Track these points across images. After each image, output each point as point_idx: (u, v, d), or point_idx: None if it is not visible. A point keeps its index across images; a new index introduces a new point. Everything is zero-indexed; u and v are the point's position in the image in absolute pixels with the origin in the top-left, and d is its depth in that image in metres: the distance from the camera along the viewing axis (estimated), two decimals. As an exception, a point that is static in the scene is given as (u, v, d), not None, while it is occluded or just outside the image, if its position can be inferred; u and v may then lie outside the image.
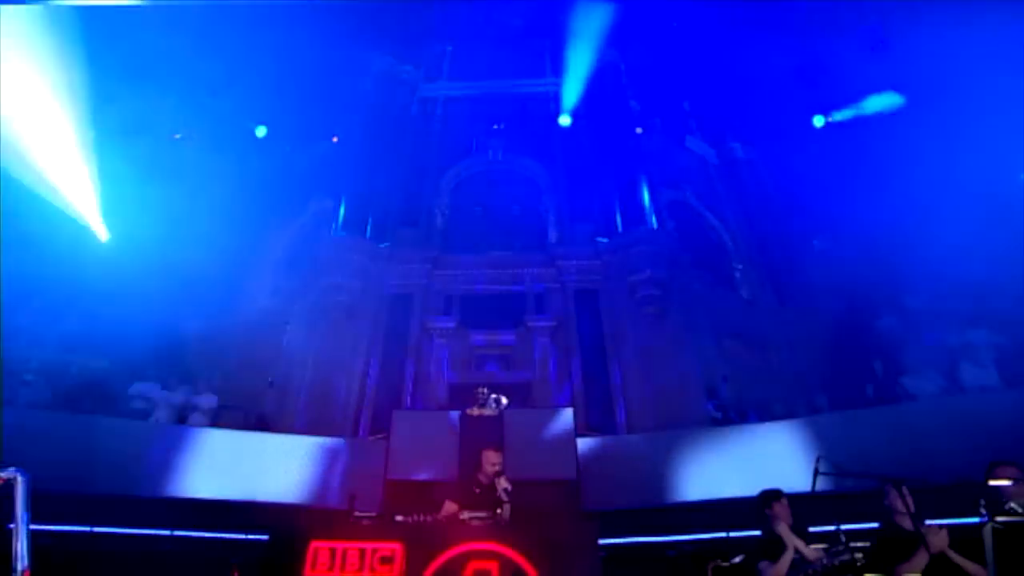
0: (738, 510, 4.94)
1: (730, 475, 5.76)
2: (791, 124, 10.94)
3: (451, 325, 9.45)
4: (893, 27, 8.90)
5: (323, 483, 6.31)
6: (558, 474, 5.95)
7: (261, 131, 11.46)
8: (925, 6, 8.35)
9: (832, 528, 3.45)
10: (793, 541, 3.56)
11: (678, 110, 12.62)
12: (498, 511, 4.19)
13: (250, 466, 6.23)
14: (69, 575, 4.68)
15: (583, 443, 6.39)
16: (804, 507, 3.83)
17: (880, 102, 9.73)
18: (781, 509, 3.76)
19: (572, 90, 12.19)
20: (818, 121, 10.62)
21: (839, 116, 10.38)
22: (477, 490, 4.50)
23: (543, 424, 6.44)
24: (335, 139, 11.77)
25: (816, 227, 9.99)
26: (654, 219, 10.06)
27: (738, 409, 7.91)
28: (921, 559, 3.10)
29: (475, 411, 6.62)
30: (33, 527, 1.89)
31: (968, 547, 3.05)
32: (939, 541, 3.09)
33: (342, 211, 10.27)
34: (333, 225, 10.23)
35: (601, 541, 4.22)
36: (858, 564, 3.19)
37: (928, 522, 3.24)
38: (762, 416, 7.34)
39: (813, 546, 3.53)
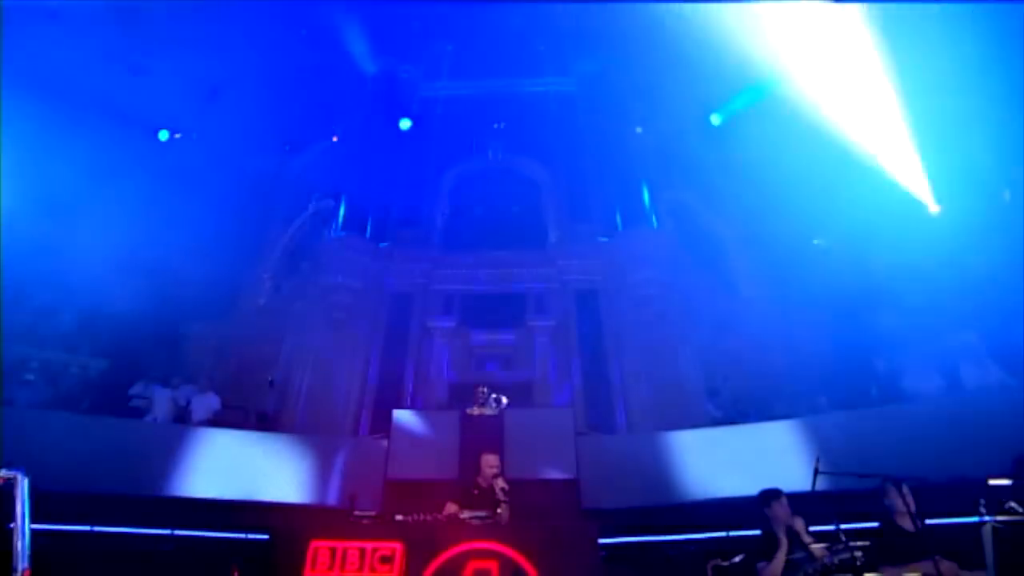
0: (738, 510, 4.94)
1: (730, 475, 5.75)
2: (789, 123, 10.91)
3: (451, 325, 9.45)
4: (893, 23, 8.88)
5: (323, 483, 6.31)
6: (558, 474, 5.96)
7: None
8: (922, 7, 8.34)
9: (832, 528, 3.45)
10: (803, 538, 3.58)
11: (678, 109, 12.58)
12: (497, 511, 4.20)
13: (250, 466, 6.23)
14: (69, 575, 4.67)
15: (583, 443, 6.38)
16: (804, 507, 3.83)
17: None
18: (780, 508, 3.76)
19: (574, 90, 12.21)
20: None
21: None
22: (476, 492, 4.51)
23: (543, 424, 6.45)
24: (335, 139, 11.77)
25: (816, 227, 9.97)
26: (654, 219, 10.05)
27: (738, 409, 7.90)
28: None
29: (475, 411, 6.62)
30: (33, 527, 1.89)
31: (967, 547, 3.05)
32: None
33: (342, 211, 10.27)
34: (333, 225, 10.23)
35: (601, 541, 4.21)
36: (858, 563, 3.19)
37: (928, 522, 3.25)
38: (762, 416, 7.32)
39: (813, 545, 3.54)
